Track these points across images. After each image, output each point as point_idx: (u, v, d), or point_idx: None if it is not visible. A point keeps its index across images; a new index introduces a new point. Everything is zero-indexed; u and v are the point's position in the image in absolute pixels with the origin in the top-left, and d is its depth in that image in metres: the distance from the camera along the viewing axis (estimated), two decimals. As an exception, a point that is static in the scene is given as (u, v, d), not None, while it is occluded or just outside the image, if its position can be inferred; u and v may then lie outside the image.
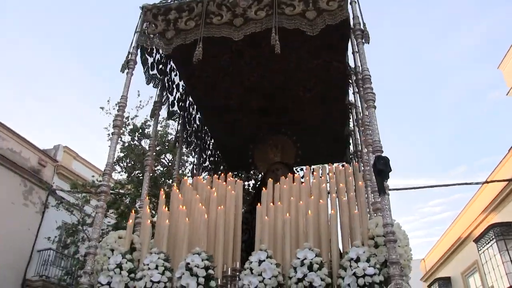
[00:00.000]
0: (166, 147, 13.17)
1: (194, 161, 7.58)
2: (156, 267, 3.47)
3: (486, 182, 14.90)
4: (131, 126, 14.06)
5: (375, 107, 4.12)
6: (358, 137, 6.09)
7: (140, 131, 13.84)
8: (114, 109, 14.08)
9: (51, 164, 16.69)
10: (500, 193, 14.71)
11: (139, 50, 4.92)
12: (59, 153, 17.44)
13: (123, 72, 4.69)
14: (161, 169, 13.23)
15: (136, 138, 13.69)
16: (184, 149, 8.75)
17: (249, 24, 4.60)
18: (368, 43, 4.72)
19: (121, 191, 13.40)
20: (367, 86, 4.19)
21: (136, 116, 14.17)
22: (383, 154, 3.84)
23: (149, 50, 5.20)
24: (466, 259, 17.93)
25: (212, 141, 7.33)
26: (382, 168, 3.74)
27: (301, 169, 7.38)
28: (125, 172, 13.58)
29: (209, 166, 7.40)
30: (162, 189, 5.07)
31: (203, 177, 5.59)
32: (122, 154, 13.89)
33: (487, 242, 15.24)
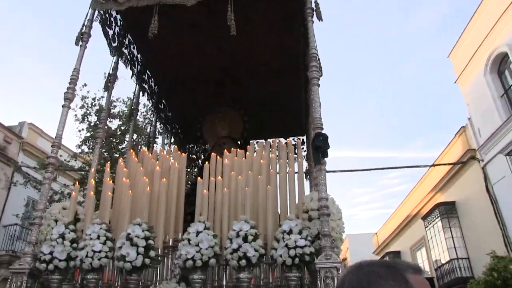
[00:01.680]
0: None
1: (149, 134, 7.65)
2: (98, 237, 3.59)
3: (433, 165, 15.92)
4: (97, 107, 14.34)
5: (318, 85, 4.29)
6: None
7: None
8: (81, 90, 14.27)
9: (16, 141, 16.61)
10: (446, 174, 15.71)
11: (96, 22, 4.93)
12: (24, 130, 17.30)
13: (77, 45, 4.67)
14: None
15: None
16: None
17: (203, -9, 4.62)
18: (321, 20, 4.85)
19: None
20: (312, 64, 4.34)
21: (102, 97, 14.21)
22: (323, 132, 4.04)
23: (108, 23, 5.18)
24: (415, 234, 19.15)
25: (169, 114, 7.35)
26: (320, 144, 3.94)
27: (256, 143, 7.50)
28: (91, 152, 13.67)
29: (168, 138, 7.46)
30: (108, 162, 5.13)
31: (151, 150, 5.69)
32: (88, 134, 14.15)
33: (433, 220, 16.40)
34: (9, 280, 3.55)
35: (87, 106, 14.53)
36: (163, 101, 7.15)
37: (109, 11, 5.18)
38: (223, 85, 6.62)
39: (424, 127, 71.44)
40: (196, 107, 7.00)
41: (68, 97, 4.45)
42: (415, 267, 1.09)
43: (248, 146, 5.01)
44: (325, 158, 3.95)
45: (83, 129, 14.51)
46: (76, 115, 14.54)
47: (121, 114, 14.43)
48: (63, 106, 4.43)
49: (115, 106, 14.46)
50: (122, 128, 14.23)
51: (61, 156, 15.20)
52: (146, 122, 13.68)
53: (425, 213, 17.06)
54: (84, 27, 4.84)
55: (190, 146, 7.98)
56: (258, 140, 7.24)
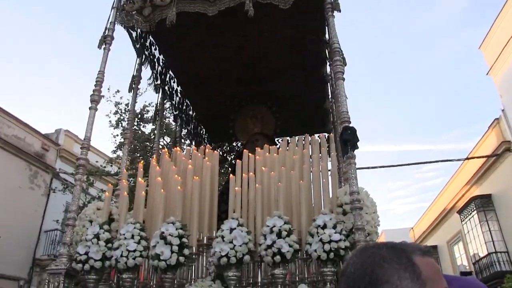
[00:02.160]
0: (164, 130, 13.38)
1: (175, 134, 7.68)
2: (132, 237, 3.60)
3: (467, 158, 15.60)
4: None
5: (343, 79, 4.22)
6: (335, 108, 6.19)
7: (140, 116, 14.36)
8: (114, 96, 14.70)
9: (53, 148, 17.11)
10: (480, 167, 15.32)
11: (119, 26, 4.98)
12: (60, 137, 17.84)
13: (100, 48, 4.72)
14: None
15: (135, 124, 14.13)
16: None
17: (224, -1, 4.63)
18: (339, 11, 4.78)
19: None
20: (336, 59, 4.29)
21: (136, 102, 14.37)
22: (350, 125, 3.97)
23: (131, 25, 5.23)
24: (451, 228, 18.73)
25: (194, 113, 7.38)
26: (348, 138, 3.87)
27: (282, 140, 7.47)
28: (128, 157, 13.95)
29: (193, 137, 7.50)
30: (140, 162, 5.17)
31: (183, 149, 5.71)
32: (123, 140, 14.19)
33: (469, 213, 16.03)
34: (46, 281, 3.61)
35: (121, 112, 14.78)
36: (187, 100, 7.17)
37: (131, 12, 5.18)
38: (248, 81, 6.60)
39: (459, 118, 70.00)
40: (222, 106, 6.99)
41: (95, 99, 4.49)
42: (424, 249, 1.02)
43: (280, 141, 4.97)
44: (354, 152, 3.89)
45: (117, 135, 14.83)
46: (110, 121, 14.94)
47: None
48: (90, 108, 4.47)
49: (148, 111, 14.67)
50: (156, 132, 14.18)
51: (97, 162, 16.04)
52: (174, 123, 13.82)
53: (461, 206, 16.70)
54: (107, 30, 4.89)
55: (218, 144, 8.01)
56: (288, 137, 7.26)
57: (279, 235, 3.47)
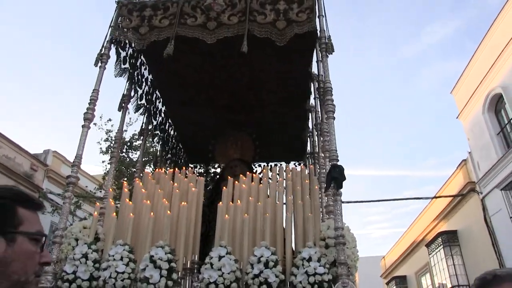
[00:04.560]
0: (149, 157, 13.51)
1: (156, 153, 7.71)
2: (121, 258, 3.65)
3: (435, 197, 16.41)
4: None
5: (334, 118, 4.42)
6: (316, 140, 6.42)
7: (129, 144, 14.83)
8: (105, 124, 15.26)
9: (41, 169, 17.09)
10: (448, 204, 16.15)
11: (112, 45, 5.01)
12: (48, 158, 17.80)
13: (96, 66, 4.78)
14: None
15: (124, 151, 14.68)
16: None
17: (222, 28, 4.79)
18: (332, 53, 5.03)
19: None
20: (328, 98, 4.49)
21: (125, 131, 14.72)
22: (338, 163, 4.17)
23: (122, 45, 5.29)
24: (420, 260, 19.47)
25: (175, 133, 7.46)
26: (337, 176, 4.07)
27: (259, 165, 7.63)
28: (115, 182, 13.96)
29: (171, 158, 7.56)
30: (124, 182, 5.20)
31: (165, 170, 5.77)
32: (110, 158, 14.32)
33: (436, 247, 16.78)
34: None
35: (111, 140, 14.90)
36: (169, 120, 7.25)
37: (126, 30, 5.21)
38: (232, 109, 6.75)
39: (437, 146, 72.03)
40: (205, 129, 7.11)
41: (88, 117, 4.51)
42: None
43: (263, 170, 5.11)
44: (340, 190, 4.08)
45: (105, 161, 15.04)
46: (101, 148, 15.28)
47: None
48: (82, 126, 4.45)
49: (137, 139, 14.85)
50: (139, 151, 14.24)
51: (86, 186, 16.32)
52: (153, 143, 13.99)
53: (429, 240, 17.43)
54: (104, 49, 4.96)
55: (193, 166, 8.10)
56: (265, 163, 7.45)
57: (266, 265, 3.59)
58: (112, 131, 15.30)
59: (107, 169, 14.69)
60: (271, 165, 7.33)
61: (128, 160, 14.67)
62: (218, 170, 8.19)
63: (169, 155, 7.49)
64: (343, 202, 4.42)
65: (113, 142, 14.31)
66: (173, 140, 7.54)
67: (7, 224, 1.02)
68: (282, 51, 5.67)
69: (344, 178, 4.06)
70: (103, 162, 15.25)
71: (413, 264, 20.51)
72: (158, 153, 7.38)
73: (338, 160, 4.14)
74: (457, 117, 16.18)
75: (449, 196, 15.55)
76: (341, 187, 4.00)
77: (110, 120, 15.46)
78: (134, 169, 14.33)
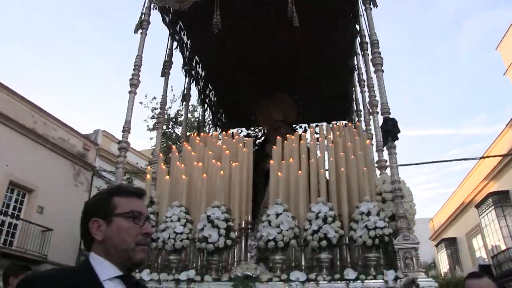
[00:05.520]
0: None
1: (199, 118, 7.72)
2: (179, 219, 3.66)
3: (483, 157, 15.57)
4: (166, 116, 15.01)
5: (382, 71, 4.27)
6: (360, 97, 6.25)
7: (174, 120, 15.25)
8: (151, 103, 15.47)
9: (93, 148, 18.09)
10: (498, 164, 15.34)
11: (154, 10, 4.97)
12: (99, 137, 18.68)
13: (136, 33, 4.74)
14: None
15: (170, 127, 15.11)
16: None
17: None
18: (376, 7, 4.84)
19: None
20: (375, 51, 4.34)
21: (169, 107, 15.33)
22: (390, 116, 4.04)
23: (164, 10, 5.22)
24: (470, 221, 18.80)
25: (216, 98, 7.41)
26: (390, 128, 3.94)
27: (300, 127, 7.50)
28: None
29: (214, 121, 7.56)
30: (173, 146, 5.21)
31: (211, 134, 5.76)
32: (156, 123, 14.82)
33: (486, 208, 16.15)
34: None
35: (158, 117, 15.11)
36: (210, 86, 7.20)
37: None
38: (273, 71, 6.63)
39: (486, 103, 69.28)
40: (246, 93, 7.02)
41: (134, 83, 4.52)
42: None
43: (311, 129, 5.02)
44: (395, 142, 3.96)
45: (153, 138, 15.28)
46: (148, 125, 15.61)
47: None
48: (129, 92, 4.48)
49: (181, 115, 14.96)
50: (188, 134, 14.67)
51: (137, 163, 17.23)
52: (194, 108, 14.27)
53: (479, 201, 16.85)
54: (143, 15, 4.90)
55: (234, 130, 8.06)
56: (311, 124, 7.30)
57: (324, 220, 3.54)
58: (157, 108, 15.25)
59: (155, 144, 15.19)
60: (316, 124, 7.20)
61: (174, 135, 14.91)
62: (259, 134, 8.12)
63: (211, 120, 7.47)
64: (403, 165, 4.31)
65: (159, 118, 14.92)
66: (215, 105, 7.50)
67: (104, 210, 1.32)
68: (325, 8, 5.50)
69: (399, 130, 3.93)
70: (151, 139, 15.71)
71: (463, 225, 19.87)
72: (200, 118, 7.36)
73: (390, 113, 4.02)
74: (504, 74, 15.44)
75: (499, 155, 14.76)
76: (396, 138, 3.89)
77: (154, 98, 15.53)
78: (180, 143, 14.88)
